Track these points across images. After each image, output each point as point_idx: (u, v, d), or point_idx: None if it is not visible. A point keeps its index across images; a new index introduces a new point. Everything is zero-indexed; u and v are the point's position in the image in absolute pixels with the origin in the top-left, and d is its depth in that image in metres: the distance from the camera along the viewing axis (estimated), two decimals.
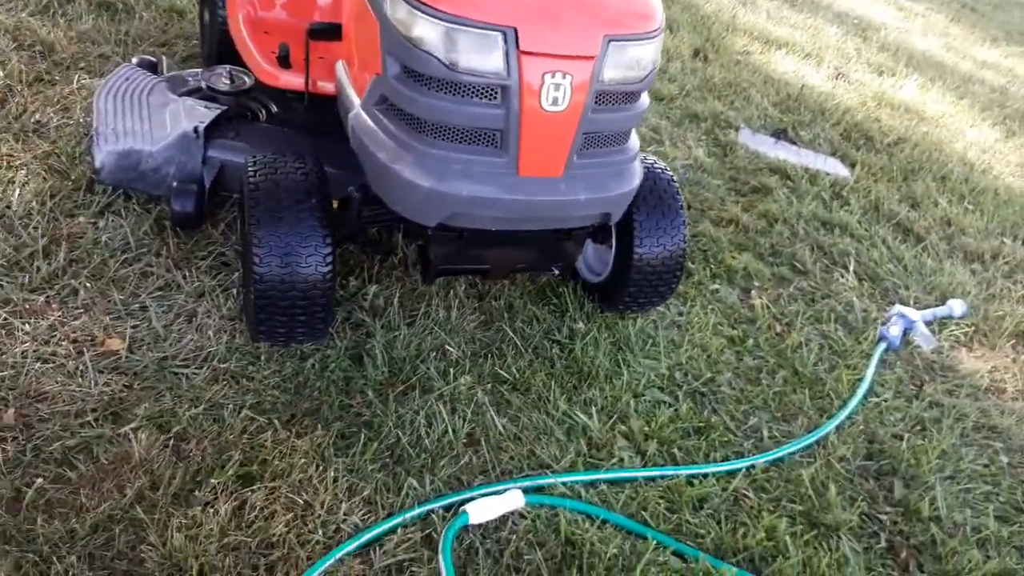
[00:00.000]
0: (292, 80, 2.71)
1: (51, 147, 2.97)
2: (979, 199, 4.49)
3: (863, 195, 4.17)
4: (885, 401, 2.89)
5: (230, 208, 2.88)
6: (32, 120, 3.10)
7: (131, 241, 2.67)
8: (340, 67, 2.47)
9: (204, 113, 2.84)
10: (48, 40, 3.57)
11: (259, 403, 2.29)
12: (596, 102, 2.14)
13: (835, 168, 4.40)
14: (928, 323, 3.35)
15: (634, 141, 2.40)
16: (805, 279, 3.45)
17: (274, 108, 3.05)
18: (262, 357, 2.41)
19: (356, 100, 2.29)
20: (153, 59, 3.30)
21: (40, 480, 1.94)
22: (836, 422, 2.70)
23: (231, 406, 2.25)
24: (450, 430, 2.31)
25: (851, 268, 3.56)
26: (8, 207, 2.69)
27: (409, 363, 2.50)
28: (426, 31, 1.99)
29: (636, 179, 2.38)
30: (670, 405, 2.61)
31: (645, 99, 2.34)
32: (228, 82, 3.01)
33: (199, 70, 3.16)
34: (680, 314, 3.02)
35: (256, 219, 2.22)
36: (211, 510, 1.97)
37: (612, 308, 2.86)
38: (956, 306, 3.49)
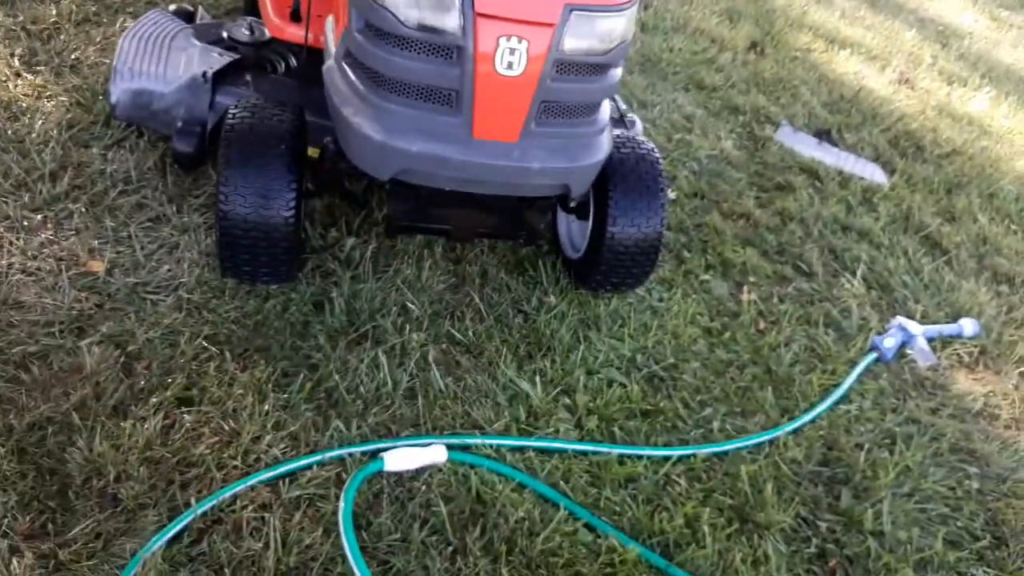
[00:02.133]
0: (296, 33, 2.81)
1: (81, 82, 3.16)
2: None
3: (895, 204, 4.02)
4: (859, 410, 2.81)
5: None
6: (72, 57, 3.30)
7: (133, 174, 2.83)
8: (329, 21, 2.55)
9: (216, 60, 2.97)
10: None
11: (215, 334, 2.41)
12: (556, 71, 2.16)
13: (873, 174, 4.25)
14: (931, 340, 3.22)
15: (603, 114, 2.40)
16: (807, 280, 3.37)
17: (293, 62, 3.16)
18: (227, 292, 2.53)
19: (332, 53, 2.37)
20: (190, 8, 3.45)
21: None
22: (796, 424, 2.65)
23: (188, 333, 2.38)
24: (390, 381, 2.38)
25: (859, 274, 3.45)
26: (29, 133, 2.89)
27: (368, 315, 2.58)
28: None
29: (600, 153, 2.38)
30: (623, 385, 2.62)
31: (616, 73, 2.34)
32: (248, 33, 3.13)
33: (227, 20, 3.30)
34: (660, 300, 3.01)
35: (226, 159, 2.33)
36: (141, 425, 2.09)
37: (586, 286, 2.87)
38: (967, 325, 3.34)
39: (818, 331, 3.10)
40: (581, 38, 2.15)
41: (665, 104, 4.26)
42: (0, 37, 3.29)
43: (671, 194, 3.59)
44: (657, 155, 2.77)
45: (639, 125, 3.53)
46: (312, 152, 2.62)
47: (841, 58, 5.36)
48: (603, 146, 2.40)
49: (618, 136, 2.74)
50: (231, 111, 2.45)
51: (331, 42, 2.44)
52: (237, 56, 3.03)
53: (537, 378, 2.52)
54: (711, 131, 4.19)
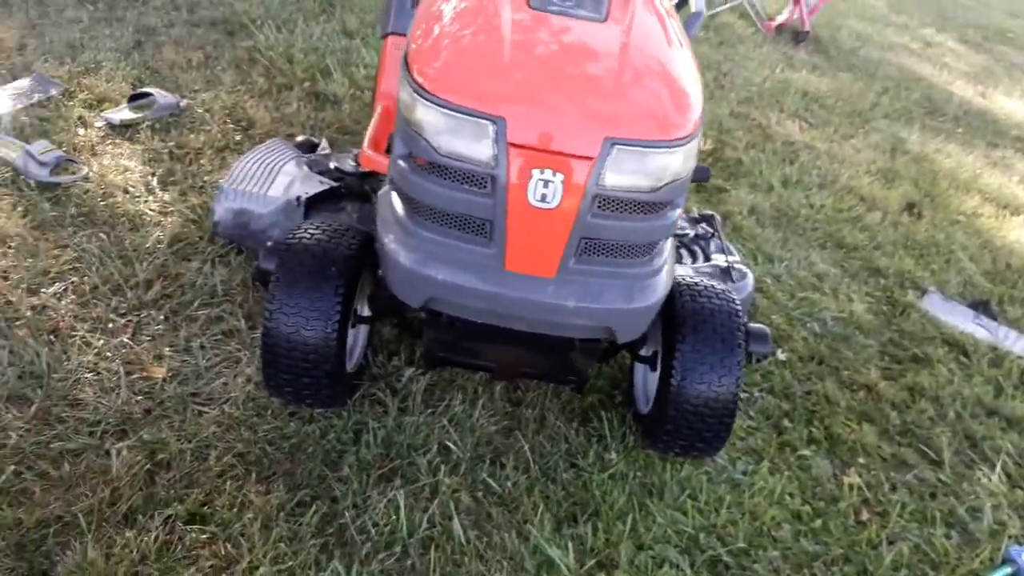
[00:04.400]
0: (383, 163, 2.87)
1: (202, 202, 3.38)
2: None
3: None
4: None
5: None
6: (202, 179, 3.56)
7: (219, 288, 2.93)
8: None
9: (314, 186, 3.09)
10: (253, 118, 4.12)
11: (247, 453, 2.37)
12: (598, 206, 2.03)
13: None
14: None
15: (659, 255, 2.22)
16: (932, 469, 2.89)
17: None
18: (271, 412, 2.50)
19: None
20: (316, 140, 3.66)
21: (13, 467, 2.15)
22: None
23: (220, 448, 2.35)
24: (404, 527, 2.21)
25: (999, 467, 2.92)
26: (143, 243, 3.09)
27: (406, 450, 2.45)
28: (423, 115, 2.03)
29: (653, 297, 2.19)
30: (677, 567, 2.29)
31: (672, 212, 2.17)
32: (353, 164, 3.26)
33: (340, 151, 3.47)
34: (744, 473, 2.67)
35: (277, 277, 2.35)
36: (142, 537, 2.04)
37: (653, 446, 2.60)
38: None
39: (935, 531, 2.62)
40: (625, 174, 2.02)
41: (795, 260, 3.97)
42: (148, 158, 3.61)
43: (781, 355, 3.27)
44: (737, 306, 2.52)
45: (751, 278, 3.29)
46: None
47: (1014, 224, 4.85)
48: (656, 290, 2.21)
49: (696, 283, 2.54)
50: (292, 232, 2.49)
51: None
52: (335, 184, 3.15)
53: (570, 545, 2.26)
54: (842, 291, 3.83)
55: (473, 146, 1.99)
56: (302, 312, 2.30)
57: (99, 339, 2.65)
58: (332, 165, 3.28)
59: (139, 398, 2.48)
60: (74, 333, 2.65)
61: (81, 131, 3.70)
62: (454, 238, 2.10)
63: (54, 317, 2.70)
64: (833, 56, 7.32)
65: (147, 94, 3.94)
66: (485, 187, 2.03)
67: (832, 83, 6.50)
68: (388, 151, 2.95)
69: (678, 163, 2.07)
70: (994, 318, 3.94)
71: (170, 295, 2.89)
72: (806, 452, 2.83)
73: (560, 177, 1.97)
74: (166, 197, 3.38)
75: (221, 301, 2.90)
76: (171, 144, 3.73)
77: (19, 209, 3.14)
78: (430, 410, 2.61)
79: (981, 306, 4.01)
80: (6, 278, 2.82)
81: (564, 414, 2.71)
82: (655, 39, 2.24)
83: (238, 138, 3.91)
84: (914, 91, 6.79)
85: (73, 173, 3.38)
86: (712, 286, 2.56)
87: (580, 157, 1.97)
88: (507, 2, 2.20)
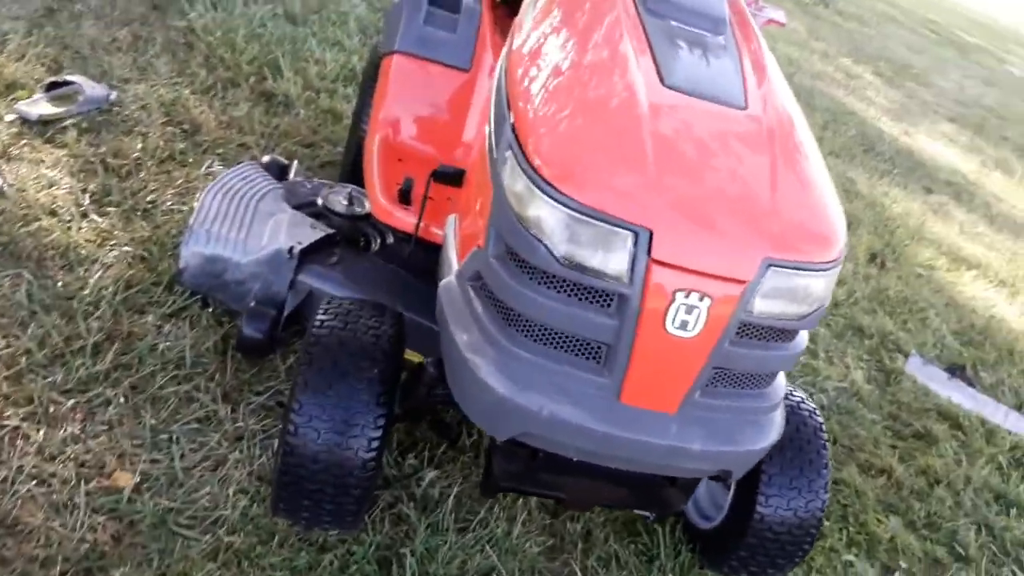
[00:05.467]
0: (404, 219, 2.40)
1: (151, 232, 2.78)
2: None
3: None
4: None
5: None
6: (147, 199, 2.94)
7: (187, 356, 2.38)
8: (451, 221, 2.13)
9: (307, 233, 2.58)
10: (197, 120, 3.49)
11: None
12: (737, 334, 1.69)
13: (1019, 426, 3.68)
14: None
15: (778, 386, 1.91)
16: (965, 569, 2.76)
17: (390, 239, 2.74)
18: (277, 538, 2.01)
19: (454, 267, 1.94)
20: (285, 162, 3.08)
21: None
22: None
23: None
24: None
25: None
26: (81, 289, 2.49)
27: None
28: (543, 213, 1.62)
29: (773, 434, 1.88)
30: None
31: (803, 338, 1.87)
32: (345, 203, 2.75)
33: (323, 183, 2.94)
34: None
35: (304, 381, 1.87)
36: None
37: (714, 567, 2.31)
38: None
39: None
40: (775, 299, 1.69)
41: None
42: (76, 169, 2.95)
43: None
44: (820, 420, 2.25)
45: None
46: (409, 356, 2.14)
47: (967, 280, 4.89)
48: (776, 424, 1.90)
49: None
50: (319, 316, 2.01)
51: (452, 253, 2.00)
52: (330, 231, 2.64)
53: None
54: (837, 356, 3.68)
55: (604, 258, 1.59)
56: (336, 428, 1.83)
57: (39, 431, 2.07)
58: (319, 202, 2.76)
59: (103, 519, 1.93)
60: (6, 422, 2.06)
61: None
62: (560, 361, 1.69)
63: None
64: None
65: (69, 82, 3.25)
66: (608, 306, 1.63)
67: None
68: (402, 199, 2.49)
69: (827, 287, 1.76)
70: (972, 385, 3.91)
71: (126, 365, 2.31)
72: (850, 557, 2.62)
73: (706, 303, 1.61)
74: (104, 224, 2.75)
75: (191, 374, 2.35)
76: (103, 151, 3.07)
77: None
78: (462, 527, 2.20)
79: (958, 371, 3.97)
80: None
81: (609, 526, 2.36)
82: (797, 137, 1.90)
83: (182, 146, 3.29)
84: (850, 127, 6.81)
85: None
86: (791, 392, 2.27)
87: (732, 280, 1.62)
88: (638, 71, 1.80)
